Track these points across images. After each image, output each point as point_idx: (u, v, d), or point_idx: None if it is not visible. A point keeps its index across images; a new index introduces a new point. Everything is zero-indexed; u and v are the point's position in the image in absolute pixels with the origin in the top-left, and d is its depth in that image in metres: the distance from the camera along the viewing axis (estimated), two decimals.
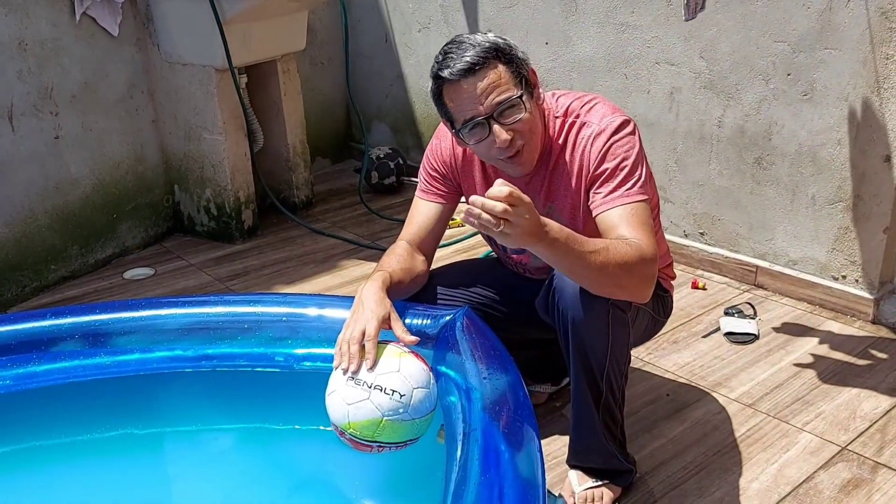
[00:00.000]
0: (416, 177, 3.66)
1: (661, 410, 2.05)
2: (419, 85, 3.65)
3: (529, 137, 1.55)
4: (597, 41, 2.85)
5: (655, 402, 2.09)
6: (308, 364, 1.71)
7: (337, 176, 3.95)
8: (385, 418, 1.36)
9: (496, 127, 1.51)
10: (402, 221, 3.24)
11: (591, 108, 1.63)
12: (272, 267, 2.96)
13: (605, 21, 2.80)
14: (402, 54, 3.67)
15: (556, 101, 1.67)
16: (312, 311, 1.75)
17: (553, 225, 1.35)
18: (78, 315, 1.77)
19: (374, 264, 2.94)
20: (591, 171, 1.58)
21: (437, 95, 1.57)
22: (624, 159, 1.56)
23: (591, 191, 1.58)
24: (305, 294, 2.46)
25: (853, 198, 2.35)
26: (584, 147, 1.59)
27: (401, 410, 1.36)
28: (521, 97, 1.52)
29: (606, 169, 1.56)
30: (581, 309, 1.51)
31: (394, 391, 1.36)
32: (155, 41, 2.94)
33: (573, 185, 1.64)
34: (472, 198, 1.26)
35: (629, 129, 1.59)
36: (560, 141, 1.63)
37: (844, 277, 2.45)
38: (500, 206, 1.24)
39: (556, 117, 1.64)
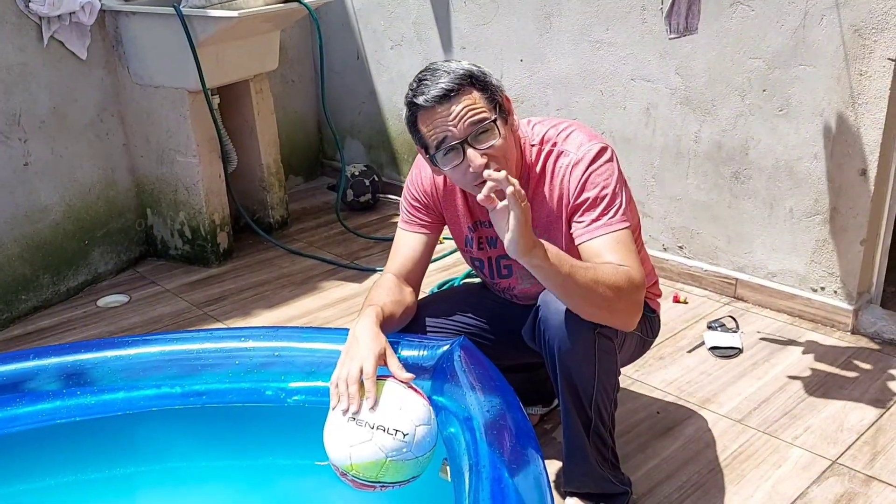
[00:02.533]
0: (392, 193, 3.67)
1: (653, 429, 2.06)
2: (392, 102, 3.63)
3: (504, 163, 1.54)
4: (572, 58, 2.86)
5: (646, 421, 2.09)
6: (299, 398, 1.68)
7: (311, 194, 3.91)
8: (389, 459, 1.33)
9: (470, 151, 1.50)
10: (380, 240, 3.30)
11: (568, 135, 1.63)
12: (250, 290, 2.91)
13: (579, 38, 2.81)
14: (374, 71, 3.65)
15: (532, 128, 1.66)
16: (302, 345, 1.72)
17: (544, 242, 1.39)
18: (59, 355, 1.71)
19: (354, 285, 2.96)
20: (572, 200, 1.58)
21: (412, 122, 1.56)
22: (604, 188, 1.56)
23: (573, 220, 1.58)
24: (294, 327, 2.41)
25: (830, 210, 2.39)
26: (563, 176, 1.60)
27: (404, 450, 1.34)
28: (495, 122, 1.51)
29: (587, 198, 1.56)
30: (567, 338, 1.51)
31: (397, 430, 1.34)
32: (125, 64, 2.87)
33: (555, 213, 1.64)
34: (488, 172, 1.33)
35: (607, 155, 1.59)
36: (538, 170, 1.63)
37: (823, 289, 2.49)
38: (510, 188, 1.30)
39: (532, 145, 1.64)
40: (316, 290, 2.90)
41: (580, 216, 1.56)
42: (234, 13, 2.65)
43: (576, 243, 1.57)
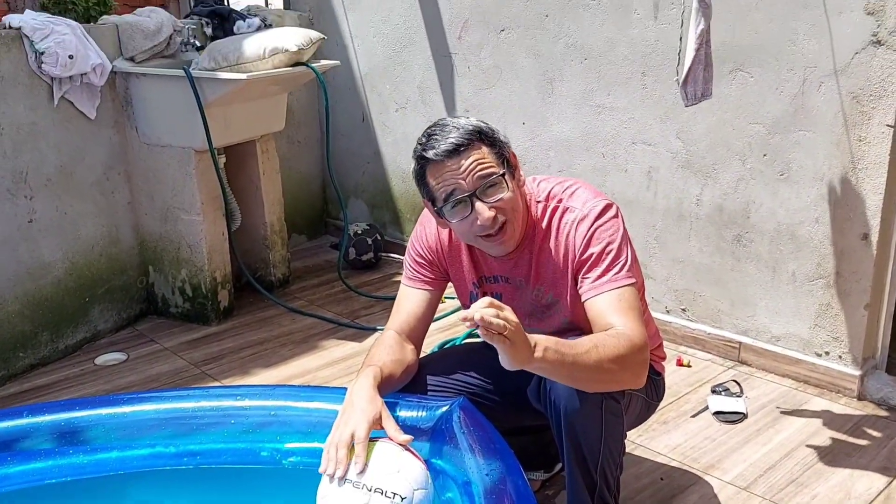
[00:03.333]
0: (394, 252, 3.68)
1: (656, 496, 2.01)
2: (396, 162, 3.68)
3: (512, 216, 1.56)
4: (574, 122, 2.90)
5: (650, 487, 2.04)
6: (295, 459, 1.65)
7: (314, 252, 3.92)
8: None
9: (479, 204, 1.52)
10: (381, 298, 3.29)
11: (573, 192, 1.64)
12: (249, 349, 2.89)
13: (581, 103, 2.86)
14: (379, 133, 3.70)
15: (538, 185, 1.68)
16: (300, 404, 1.69)
17: (540, 338, 1.36)
18: (52, 412, 1.69)
19: (354, 343, 2.94)
20: (577, 255, 1.59)
21: (420, 175, 1.58)
22: (609, 243, 1.57)
23: (580, 276, 1.59)
24: (292, 385, 2.39)
25: (833, 275, 2.39)
26: (569, 232, 1.61)
27: None
28: (503, 176, 1.54)
29: (592, 254, 1.57)
30: (574, 399, 1.49)
31: (395, 494, 1.31)
32: (133, 123, 2.92)
33: (560, 268, 1.64)
34: (466, 313, 1.26)
35: (612, 212, 1.61)
36: (544, 225, 1.64)
37: (828, 353, 2.46)
38: (497, 320, 1.25)
39: (538, 202, 1.65)
40: (316, 349, 2.88)
41: (586, 272, 1.57)
42: (243, 76, 2.70)
43: (582, 300, 1.57)
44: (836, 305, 2.41)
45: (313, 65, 2.96)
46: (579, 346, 1.40)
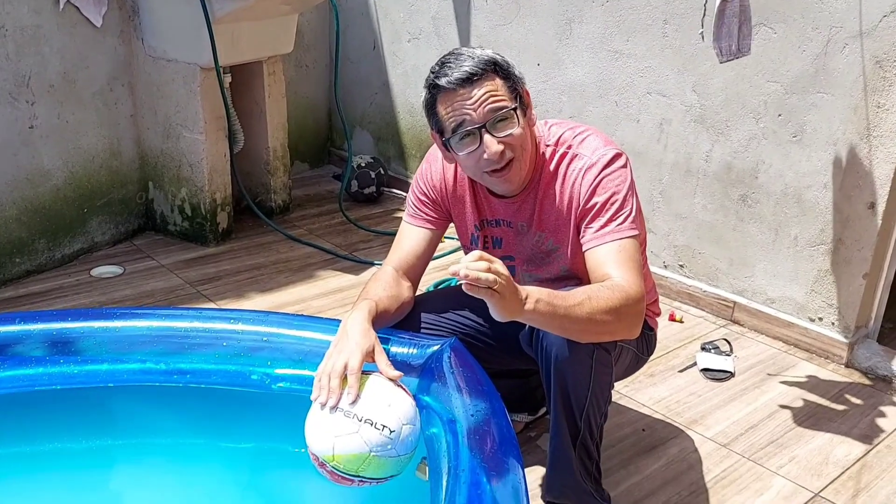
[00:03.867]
0: (397, 188, 3.65)
1: (637, 446, 2.04)
2: (405, 95, 3.61)
3: (520, 153, 1.54)
4: (589, 66, 2.84)
5: (631, 437, 2.07)
6: (285, 385, 1.66)
7: (315, 181, 3.89)
8: (373, 453, 1.32)
9: (487, 137, 1.49)
10: (381, 233, 3.28)
11: (584, 139, 1.61)
12: (246, 273, 2.89)
13: (598, 47, 2.79)
14: (389, 63, 3.63)
15: (549, 129, 1.65)
16: (293, 332, 1.70)
17: (532, 290, 1.35)
18: (46, 321, 1.69)
19: (350, 276, 2.94)
20: (582, 204, 1.57)
21: (431, 105, 1.55)
22: (614, 193, 1.55)
23: (582, 225, 1.57)
24: (286, 313, 2.39)
25: (835, 241, 2.37)
26: (576, 179, 1.58)
27: (389, 447, 1.32)
28: (514, 110, 1.51)
29: (596, 203, 1.55)
30: (565, 348, 1.49)
31: (384, 426, 1.32)
32: (139, 35, 2.86)
33: (564, 216, 1.62)
34: (455, 268, 1.24)
35: (621, 162, 1.58)
36: (551, 169, 1.61)
37: (821, 319, 2.47)
38: (485, 275, 1.24)
39: (548, 145, 1.63)
40: (312, 279, 2.88)
41: (589, 222, 1.55)
42: None
43: (583, 249, 1.56)
44: (834, 272, 2.40)
45: None
46: (572, 297, 1.39)
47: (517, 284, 1.33)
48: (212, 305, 2.63)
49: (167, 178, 3.05)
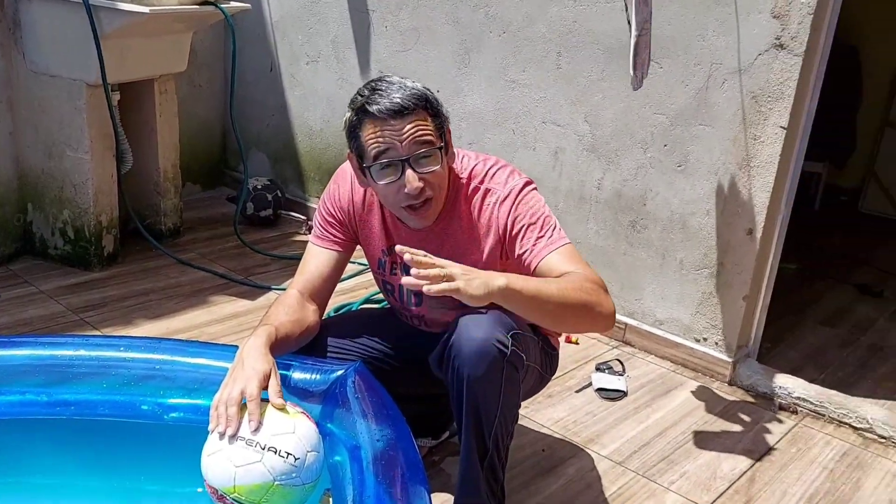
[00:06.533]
0: (294, 211, 3.59)
1: (538, 466, 2.07)
2: (303, 117, 3.58)
3: (438, 192, 1.56)
4: (487, 95, 2.90)
5: (532, 458, 2.10)
6: (178, 415, 1.59)
7: (208, 204, 3.78)
8: (277, 482, 1.28)
9: (409, 172, 1.50)
10: (278, 257, 3.21)
11: (494, 173, 1.65)
12: (134, 299, 2.76)
13: (496, 76, 2.86)
14: (287, 85, 3.59)
15: (461, 160, 1.67)
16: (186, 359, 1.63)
17: (500, 273, 1.40)
18: None
19: (246, 301, 2.86)
20: (509, 232, 1.60)
21: (354, 128, 1.54)
22: (535, 212, 1.61)
23: (517, 252, 1.60)
24: (179, 340, 2.30)
25: (717, 265, 2.51)
26: (492, 213, 1.62)
27: (294, 475, 1.29)
28: (439, 149, 1.52)
29: (524, 226, 1.59)
30: (477, 366, 1.50)
31: (289, 454, 1.28)
32: (20, 49, 2.70)
33: (472, 249, 1.64)
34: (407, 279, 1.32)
35: (532, 186, 1.64)
36: (462, 202, 1.64)
37: (706, 339, 2.60)
38: (434, 271, 1.30)
39: (460, 178, 1.65)
40: (205, 304, 2.78)
41: (522, 242, 1.58)
42: (145, 9, 2.54)
43: (530, 270, 1.58)
44: (717, 295, 2.53)
45: (222, 5, 2.82)
46: (538, 279, 1.45)
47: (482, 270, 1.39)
48: (97, 333, 2.49)
49: (48, 199, 2.89)
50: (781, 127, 2.28)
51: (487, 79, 2.89)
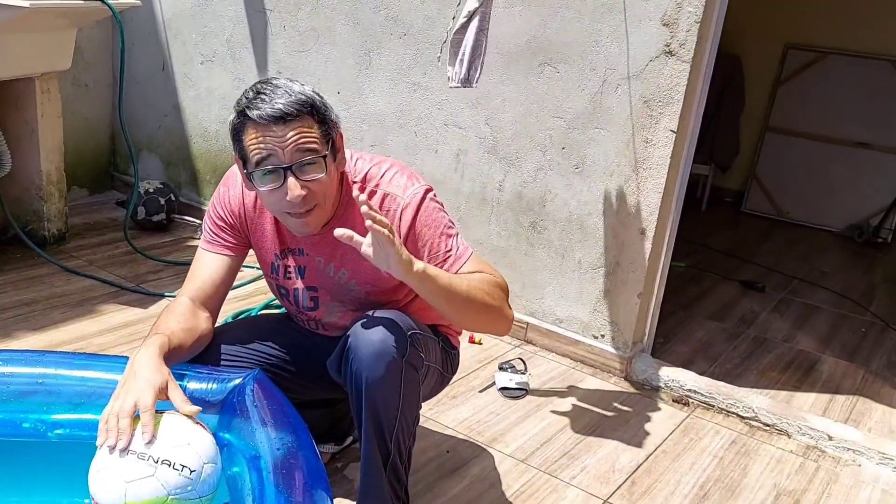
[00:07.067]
0: (189, 215, 3.47)
1: (442, 468, 2.07)
2: (198, 118, 3.46)
3: (322, 200, 1.52)
4: (389, 97, 2.89)
5: (436, 460, 2.10)
6: (63, 431, 1.51)
7: (96, 208, 3.61)
8: (171, 497, 1.22)
9: (291, 180, 1.46)
10: (172, 263, 3.10)
11: (392, 177, 1.63)
12: (14, 310, 2.60)
13: (397, 79, 2.85)
14: (180, 85, 3.46)
15: (355, 164, 1.65)
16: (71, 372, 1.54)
17: (420, 262, 1.45)
18: None
19: (138, 310, 2.74)
20: (412, 242, 1.59)
21: (237, 132, 1.49)
22: (441, 223, 1.61)
23: (423, 260, 1.58)
24: (63, 352, 2.18)
25: (613, 264, 2.58)
26: (392, 220, 1.59)
27: (189, 488, 1.24)
28: (324, 157, 1.49)
29: (429, 240, 1.59)
30: (375, 368, 1.49)
31: (184, 466, 1.23)
32: None
33: None
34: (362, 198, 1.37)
35: (432, 194, 1.64)
36: (359, 208, 1.61)
37: (603, 336, 2.67)
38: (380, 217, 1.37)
39: (354, 181, 1.62)
40: (93, 314, 2.65)
41: (430, 256, 1.59)
42: (25, 3, 2.40)
43: None
44: (613, 293, 2.61)
45: (110, 1, 2.70)
46: (451, 274, 1.52)
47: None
48: None
49: None
50: (671, 130, 2.37)
51: (389, 81, 2.88)
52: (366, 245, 1.41)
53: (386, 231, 1.37)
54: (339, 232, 1.39)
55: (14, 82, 2.81)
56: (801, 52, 4.79)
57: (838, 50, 4.67)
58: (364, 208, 1.36)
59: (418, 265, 1.43)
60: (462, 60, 2.17)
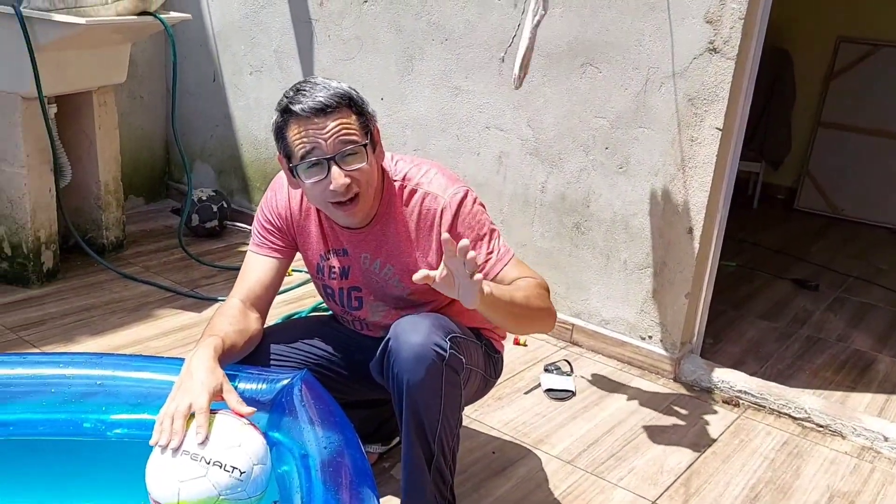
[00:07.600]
0: (240, 221, 3.56)
1: (488, 468, 2.09)
2: (248, 127, 3.55)
3: (366, 188, 1.56)
4: (431, 102, 2.92)
5: (482, 460, 2.12)
6: (122, 431, 1.56)
7: (152, 217, 3.72)
8: (222, 497, 1.27)
9: (335, 169, 1.51)
10: (225, 268, 3.18)
11: (432, 177, 1.66)
12: (74, 315, 2.70)
13: (439, 83, 2.88)
14: (230, 95, 3.55)
15: (395, 164, 1.69)
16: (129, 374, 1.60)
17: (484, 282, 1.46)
18: None
19: (192, 314, 2.82)
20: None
21: (280, 129, 1.55)
22: (483, 225, 1.64)
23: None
24: (121, 354, 2.25)
25: (659, 264, 2.56)
26: (434, 218, 1.63)
27: (239, 489, 1.28)
28: (364, 146, 1.53)
29: (471, 240, 1.60)
30: (415, 371, 1.51)
31: (234, 468, 1.27)
32: None
33: (412, 249, 1.65)
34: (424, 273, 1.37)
35: (473, 196, 1.66)
36: (401, 206, 1.65)
37: (651, 337, 2.65)
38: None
39: (395, 180, 1.66)
40: (149, 318, 2.74)
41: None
42: (82, 20, 2.50)
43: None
44: (660, 293, 2.59)
45: (161, 15, 2.79)
46: (506, 286, 1.55)
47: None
48: (35, 351, 2.43)
49: None
50: (717, 128, 2.35)
51: (431, 85, 2.91)
52: (439, 276, 1.39)
53: (470, 272, 1.37)
54: (418, 276, 1.37)
55: (73, 96, 2.92)
56: (855, 45, 4.67)
57: (893, 43, 4.54)
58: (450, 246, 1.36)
59: (485, 287, 1.43)
60: (525, 63, 2.21)
